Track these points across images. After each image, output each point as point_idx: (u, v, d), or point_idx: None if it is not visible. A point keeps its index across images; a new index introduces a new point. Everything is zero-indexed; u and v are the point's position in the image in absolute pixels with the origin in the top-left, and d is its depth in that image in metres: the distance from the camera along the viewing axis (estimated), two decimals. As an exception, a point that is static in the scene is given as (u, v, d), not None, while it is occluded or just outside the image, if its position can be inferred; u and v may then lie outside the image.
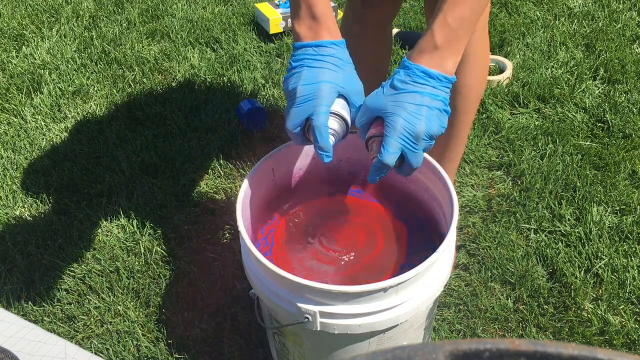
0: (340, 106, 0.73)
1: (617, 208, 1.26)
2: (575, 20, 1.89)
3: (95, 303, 1.13)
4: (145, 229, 1.26)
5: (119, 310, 1.11)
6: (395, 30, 1.84)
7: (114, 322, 1.10)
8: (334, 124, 0.72)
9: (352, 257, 0.88)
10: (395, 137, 0.67)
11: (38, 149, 1.50)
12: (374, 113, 0.70)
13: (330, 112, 0.71)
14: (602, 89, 1.60)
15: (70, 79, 1.74)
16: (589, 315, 1.06)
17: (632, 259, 1.15)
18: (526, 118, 1.52)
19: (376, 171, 0.69)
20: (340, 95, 0.73)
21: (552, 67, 1.68)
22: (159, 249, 1.22)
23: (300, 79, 0.71)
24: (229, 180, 1.36)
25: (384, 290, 0.71)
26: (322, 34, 0.73)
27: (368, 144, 0.72)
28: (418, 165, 0.70)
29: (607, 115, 1.50)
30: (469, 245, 1.21)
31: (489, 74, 1.71)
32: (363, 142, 0.92)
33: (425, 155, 0.88)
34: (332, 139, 0.73)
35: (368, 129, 0.72)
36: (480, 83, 1.01)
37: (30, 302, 1.14)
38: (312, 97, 0.70)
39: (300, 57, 0.72)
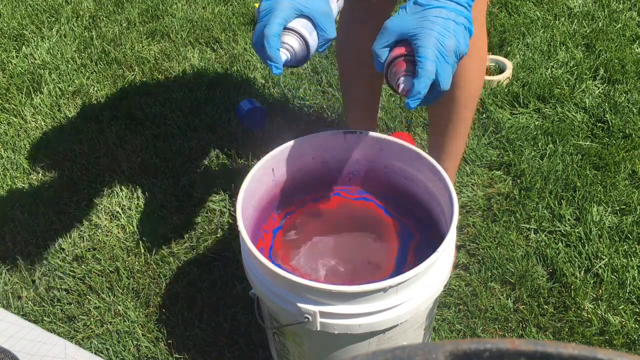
0: (300, 24, 0.71)
1: (617, 208, 1.26)
2: (575, 20, 1.89)
3: (95, 303, 1.13)
4: (145, 229, 1.26)
5: (119, 310, 1.11)
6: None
7: (114, 322, 1.10)
8: (290, 39, 0.70)
9: (351, 257, 0.88)
10: (432, 48, 0.64)
11: (38, 149, 1.50)
12: (396, 36, 0.67)
13: (288, 28, 0.70)
14: (602, 89, 1.60)
15: (70, 79, 1.74)
16: (589, 315, 1.06)
17: (632, 259, 1.15)
18: (526, 118, 1.52)
19: (419, 88, 0.64)
20: (305, 16, 0.71)
21: (552, 67, 1.68)
22: (159, 249, 1.22)
23: None
24: (229, 180, 1.36)
25: (384, 290, 0.71)
26: None
27: (390, 67, 0.67)
28: (447, 86, 0.66)
29: (607, 115, 1.50)
30: (469, 245, 1.21)
31: (489, 74, 1.71)
32: (362, 142, 0.92)
33: (426, 155, 0.88)
34: (285, 54, 0.71)
35: (388, 54, 0.68)
36: (479, 78, 1.01)
37: (30, 302, 1.14)
38: (270, 11, 0.69)
39: None
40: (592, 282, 1.12)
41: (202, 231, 1.25)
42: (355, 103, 1.26)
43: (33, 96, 1.68)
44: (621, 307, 1.07)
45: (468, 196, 1.31)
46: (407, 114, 1.54)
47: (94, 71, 1.78)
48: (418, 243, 0.90)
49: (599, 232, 1.20)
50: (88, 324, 1.10)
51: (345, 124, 1.34)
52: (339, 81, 1.30)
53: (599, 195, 1.28)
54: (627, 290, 1.10)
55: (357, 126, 1.27)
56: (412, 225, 0.93)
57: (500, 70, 1.72)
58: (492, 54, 1.77)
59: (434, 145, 1.14)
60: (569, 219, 1.24)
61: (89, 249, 1.24)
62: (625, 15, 1.91)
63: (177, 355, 1.04)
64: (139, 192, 1.35)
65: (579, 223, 1.23)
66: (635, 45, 1.77)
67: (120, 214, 1.29)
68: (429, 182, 0.89)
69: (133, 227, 1.26)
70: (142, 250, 1.21)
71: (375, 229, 0.92)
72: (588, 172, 1.34)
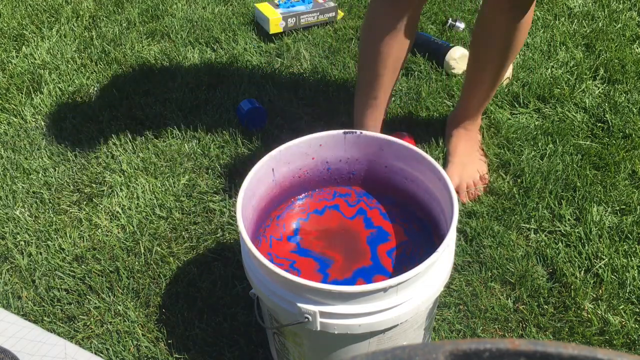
0: None
1: (617, 208, 1.26)
2: (575, 20, 1.89)
3: (95, 303, 1.13)
4: (145, 229, 1.26)
5: (119, 310, 1.11)
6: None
7: (114, 322, 1.10)
8: None
9: (351, 257, 0.88)
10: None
11: (38, 149, 1.50)
12: None
13: None
14: (602, 89, 1.60)
15: (70, 79, 1.74)
16: (589, 315, 1.06)
17: (632, 259, 1.15)
18: (526, 118, 1.52)
19: None
20: None
21: (552, 67, 1.68)
22: (159, 249, 1.22)
23: None
24: (229, 180, 1.37)
25: (384, 290, 0.71)
26: None
27: None
28: None
29: (607, 115, 1.50)
30: (469, 245, 1.21)
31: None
32: (362, 142, 0.92)
33: (426, 155, 0.88)
34: None
35: None
36: (527, 33, 1.18)
37: (30, 302, 1.14)
38: None
39: None
40: (592, 282, 1.12)
41: (202, 231, 1.25)
42: (369, 91, 1.27)
43: (33, 96, 1.68)
44: (621, 307, 1.07)
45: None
46: (408, 114, 1.54)
47: (94, 71, 1.78)
48: (418, 243, 0.90)
49: (599, 232, 1.20)
50: (88, 324, 1.10)
51: (353, 116, 1.35)
52: (357, 66, 1.31)
53: (599, 195, 1.28)
54: (627, 290, 1.10)
55: (364, 121, 1.28)
56: (412, 225, 0.93)
57: (500, 70, 1.72)
58: (492, 54, 1.77)
59: (477, 99, 1.31)
60: (569, 219, 1.24)
61: (89, 249, 1.24)
62: (625, 15, 1.91)
63: (177, 355, 1.04)
64: (139, 192, 1.35)
65: (579, 223, 1.23)
66: (635, 45, 1.77)
67: (120, 214, 1.29)
68: (429, 182, 0.89)
69: (133, 227, 1.26)
70: (142, 250, 1.21)
71: (375, 229, 0.92)
72: (588, 172, 1.34)
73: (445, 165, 1.37)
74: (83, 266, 1.20)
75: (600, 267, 1.13)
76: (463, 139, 1.38)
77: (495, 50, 1.20)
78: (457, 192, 1.29)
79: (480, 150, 1.39)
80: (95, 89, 1.70)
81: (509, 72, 1.66)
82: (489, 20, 1.17)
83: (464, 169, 1.33)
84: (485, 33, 1.20)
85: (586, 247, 1.18)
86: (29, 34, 1.97)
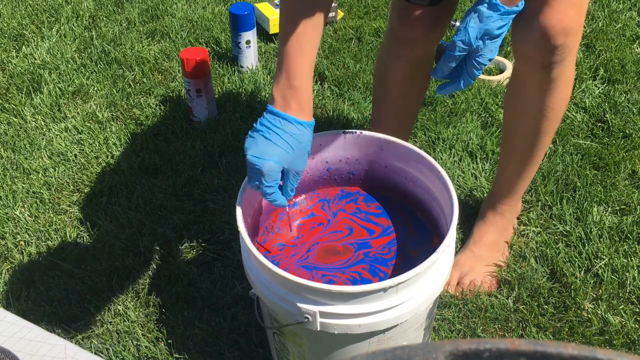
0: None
1: (617, 208, 1.26)
2: (575, 20, 1.89)
3: (95, 303, 1.13)
4: (145, 229, 1.26)
5: (119, 310, 1.11)
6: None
7: (114, 322, 1.10)
8: None
9: (351, 257, 0.88)
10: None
11: (38, 149, 1.50)
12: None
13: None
14: (602, 89, 1.60)
15: (70, 79, 1.74)
16: (589, 315, 1.06)
17: (632, 259, 1.15)
18: (526, 118, 1.52)
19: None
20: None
21: (552, 67, 1.68)
22: (159, 249, 1.22)
23: (253, 147, 0.78)
24: (228, 180, 1.37)
25: (384, 290, 0.71)
26: (292, 107, 0.78)
27: None
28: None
29: (607, 115, 1.50)
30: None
31: (489, 74, 1.71)
32: (362, 142, 0.92)
33: (426, 155, 0.88)
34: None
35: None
36: (565, 106, 0.99)
37: (30, 302, 1.14)
38: (258, 170, 0.78)
39: (265, 124, 0.78)
40: (592, 282, 1.12)
41: (202, 231, 1.25)
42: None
43: (33, 96, 1.68)
44: (621, 307, 1.07)
45: (467, 196, 1.31)
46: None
47: (94, 71, 1.78)
48: (418, 243, 0.90)
49: (599, 232, 1.20)
50: (88, 324, 1.10)
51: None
52: (372, 106, 1.24)
53: (599, 195, 1.28)
54: (627, 290, 1.10)
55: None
56: (412, 225, 0.93)
57: (500, 70, 1.72)
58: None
59: (511, 168, 1.11)
60: (569, 219, 1.24)
61: (89, 249, 1.24)
62: (625, 15, 1.91)
63: (177, 355, 1.04)
64: (139, 192, 1.35)
65: (579, 223, 1.23)
66: (635, 45, 1.77)
67: (120, 214, 1.29)
68: (429, 182, 0.89)
69: (133, 227, 1.26)
70: (142, 250, 1.21)
71: (375, 229, 0.92)
72: (588, 172, 1.34)
73: (460, 247, 1.20)
74: (83, 266, 1.20)
75: (600, 267, 1.13)
76: (493, 229, 1.17)
77: (528, 113, 1.00)
78: (457, 283, 1.14)
79: (505, 247, 1.19)
80: (95, 89, 1.70)
81: (508, 72, 1.66)
82: (520, 76, 0.98)
83: (478, 263, 1.14)
84: (517, 91, 1.01)
85: (586, 247, 1.18)
86: (29, 34, 1.97)
